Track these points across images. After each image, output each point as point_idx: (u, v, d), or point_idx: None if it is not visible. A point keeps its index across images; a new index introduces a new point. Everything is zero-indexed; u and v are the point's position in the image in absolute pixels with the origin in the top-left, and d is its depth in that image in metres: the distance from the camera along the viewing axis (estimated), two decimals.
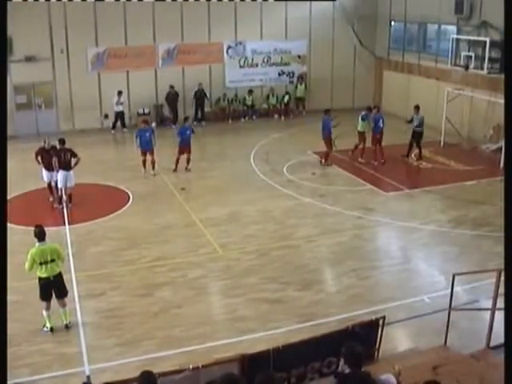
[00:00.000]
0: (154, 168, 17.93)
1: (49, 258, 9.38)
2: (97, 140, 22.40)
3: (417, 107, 19.34)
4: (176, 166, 18.24)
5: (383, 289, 10.99)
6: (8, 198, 14.44)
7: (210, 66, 25.29)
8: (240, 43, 25.54)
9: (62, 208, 15.02)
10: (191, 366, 6.42)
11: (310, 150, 19.88)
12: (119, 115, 23.75)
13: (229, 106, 25.58)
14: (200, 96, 24.68)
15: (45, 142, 15.43)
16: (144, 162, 17.87)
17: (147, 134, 17.74)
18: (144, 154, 17.82)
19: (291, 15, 25.73)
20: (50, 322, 9.56)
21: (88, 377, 8.12)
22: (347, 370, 5.57)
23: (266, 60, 26.14)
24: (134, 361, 8.59)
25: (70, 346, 9.18)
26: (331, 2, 26.08)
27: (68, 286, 10.41)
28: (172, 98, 24.52)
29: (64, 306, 9.66)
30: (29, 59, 22.45)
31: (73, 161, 15.03)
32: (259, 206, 15.36)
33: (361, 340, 7.09)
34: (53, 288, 9.54)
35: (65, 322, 9.64)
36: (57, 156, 14.94)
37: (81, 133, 22.73)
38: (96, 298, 10.61)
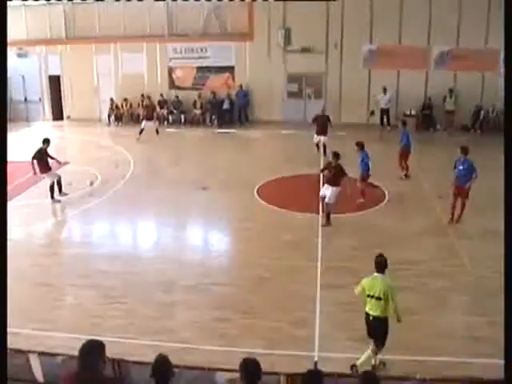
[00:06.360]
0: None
1: (376, 295, 8.07)
2: (363, 136, 22.15)
3: None
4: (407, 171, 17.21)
5: None
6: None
7: (483, 75, 23.59)
8: None
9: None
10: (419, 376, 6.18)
11: None
12: (384, 112, 23.95)
13: None
14: None
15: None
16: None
17: (462, 167, 13.55)
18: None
19: None
20: (365, 362, 8.33)
21: (315, 362, 8.34)
22: None
23: None
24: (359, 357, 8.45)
25: (303, 329, 9.48)
26: None
27: (313, 273, 10.82)
28: None
29: (375, 352, 8.31)
30: (304, 50, 23.70)
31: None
32: None
33: None
34: (371, 328, 8.29)
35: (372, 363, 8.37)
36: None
37: (346, 127, 22.93)
38: (336, 290, 10.61)
